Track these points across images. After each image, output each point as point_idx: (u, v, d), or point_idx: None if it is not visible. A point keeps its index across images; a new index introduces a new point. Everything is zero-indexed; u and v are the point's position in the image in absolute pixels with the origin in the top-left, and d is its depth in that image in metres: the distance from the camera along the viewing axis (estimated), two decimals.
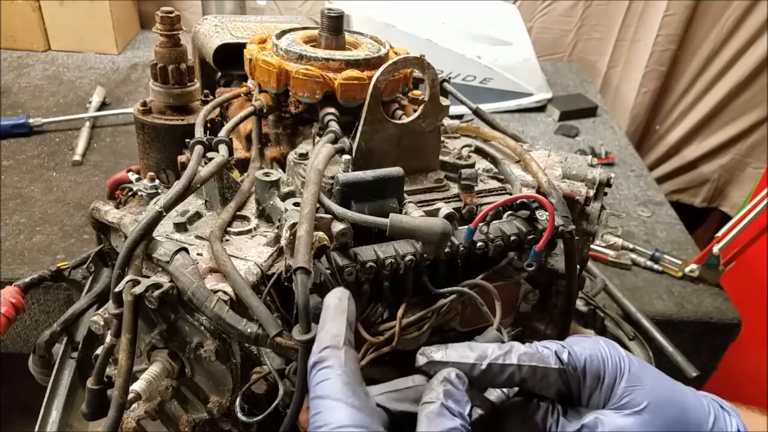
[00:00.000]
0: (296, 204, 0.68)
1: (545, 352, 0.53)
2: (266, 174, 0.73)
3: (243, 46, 0.88)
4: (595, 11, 2.65)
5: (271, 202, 0.73)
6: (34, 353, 0.93)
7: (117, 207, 0.86)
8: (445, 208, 0.71)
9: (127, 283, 0.64)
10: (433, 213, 0.71)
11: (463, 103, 1.06)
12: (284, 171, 0.81)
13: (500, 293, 0.70)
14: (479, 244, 0.70)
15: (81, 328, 0.97)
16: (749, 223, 1.46)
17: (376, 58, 0.83)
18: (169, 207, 0.69)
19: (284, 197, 0.73)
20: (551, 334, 0.86)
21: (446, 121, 0.90)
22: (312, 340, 0.55)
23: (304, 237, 0.60)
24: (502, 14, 2.39)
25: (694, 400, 0.54)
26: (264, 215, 0.77)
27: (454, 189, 0.78)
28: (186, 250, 0.69)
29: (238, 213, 0.78)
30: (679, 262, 1.58)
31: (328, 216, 0.65)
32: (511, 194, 0.81)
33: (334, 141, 0.75)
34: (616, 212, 1.69)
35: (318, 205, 0.67)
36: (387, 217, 0.64)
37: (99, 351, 0.71)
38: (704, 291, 1.54)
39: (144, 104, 0.95)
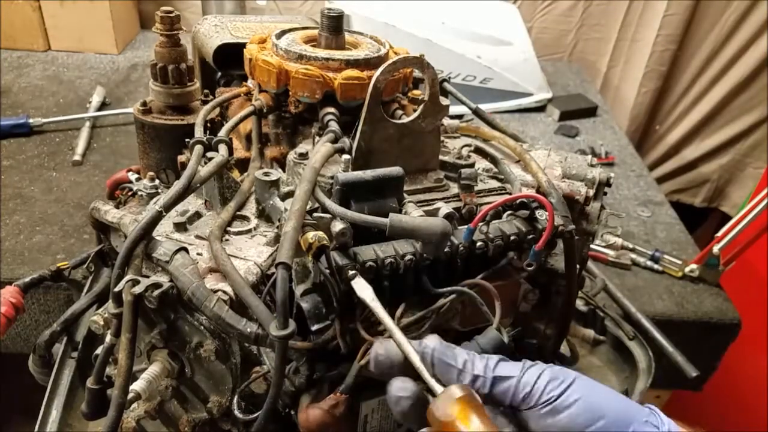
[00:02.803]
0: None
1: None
2: (266, 174, 0.74)
3: (243, 46, 0.88)
4: (595, 11, 2.65)
5: (271, 202, 0.73)
6: (34, 353, 0.93)
7: (117, 207, 0.86)
8: (445, 208, 0.71)
9: (126, 282, 0.64)
10: (433, 213, 0.71)
11: (463, 103, 1.06)
12: (284, 171, 0.81)
13: (500, 293, 0.70)
14: (479, 243, 0.70)
15: (81, 328, 0.97)
16: (749, 223, 1.46)
17: (376, 58, 0.83)
18: (168, 207, 0.69)
19: (284, 197, 0.73)
20: (551, 334, 0.86)
21: (446, 121, 0.90)
22: (289, 336, 0.56)
23: (290, 233, 0.60)
24: (502, 14, 2.39)
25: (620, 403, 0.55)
26: (264, 215, 0.77)
27: (454, 189, 0.78)
28: (186, 249, 0.69)
29: (237, 213, 0.78)
30: (679, 262, 1.58)
31: (328, 216, 0.65)
32: (510, 194, 0.81)
33: (334, 141, 0.76)
34: (616, 212, 1.69)
35: (317, 205, 0.67)
36: (387, 216, 0.64)
37: (99, 351, 0.71)
38: (704, 291, 1.54)
39: (144, 104, 0.95)
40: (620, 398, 0.55)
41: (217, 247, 0.69)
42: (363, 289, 0.60)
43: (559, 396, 0.52)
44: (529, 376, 0.53)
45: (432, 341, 0.57)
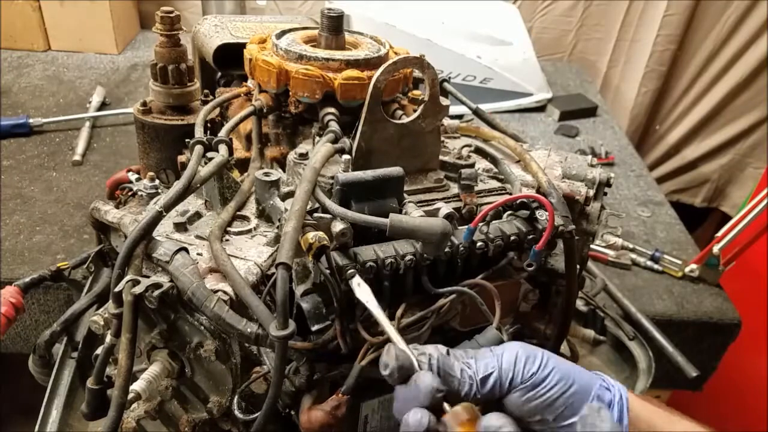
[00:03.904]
0: None
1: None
2: (266, 174, 0.74)
3: (243, 46, 0.88)
4: (595, 11, 2.65)
5: (271, 202, 0.73)
6: (34, 353, 0.94)
7: (117, 207, 0.86)
8: (445, 208, 0.71)
9: (127, 282, 0.64)
10: (433, 213, 0.71)
11: (463, 103, 1.06)
12: (284, 171, 0.81)
13: (500, 293, 0.70)
14: (479, 243, 0.70)
15: (81, 328, 0.97)
16: (749, 223, 1.46)
17: (376, 58, 0.83)
18: (169, 207, 0.69)
19: (284, 197, 0.73)
20: (551, 334, 0.86)
21: (446, 121, 0.90)
22: (289, 336, 0.57)
23: (291, 233, 0.60)
24: (502, 14, 2.39)
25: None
26: (264, 215, 0.77)
27: (454, 189, 0.78)
28: (186, 249, 0.69)
29: (238, 213, 0.78)
30: (679, 262, 1.58)
31: (328, 216, 0.65)
32: (511, 194, 0.81)
33: (334, 141, 0.76)
34: (616, 212, 1.69)
35: (318, 205, 0.67)
36: (387, 217, 0.64)
37: (99, 351, 0.71)
38: (704, 291, 1.54)
39: (144, 104, 0.95)
40: (578, 366, 0.60)
41: (217, 247, 0.69)
42: (362, 292, 0.60)
43: (537, 370, 0.56)
44: (507, 363, 0.57)
45: (431, 349, 0.57)
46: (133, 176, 1.00)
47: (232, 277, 0.65)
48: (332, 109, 0.81)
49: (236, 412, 0.68)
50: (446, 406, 0.53)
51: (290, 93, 0.83)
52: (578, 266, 0.87)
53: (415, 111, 0.77)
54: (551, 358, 0.58)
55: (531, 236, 0.73)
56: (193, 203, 0.81)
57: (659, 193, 1.96)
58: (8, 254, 1.36)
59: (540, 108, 2.34)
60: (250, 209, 0.79)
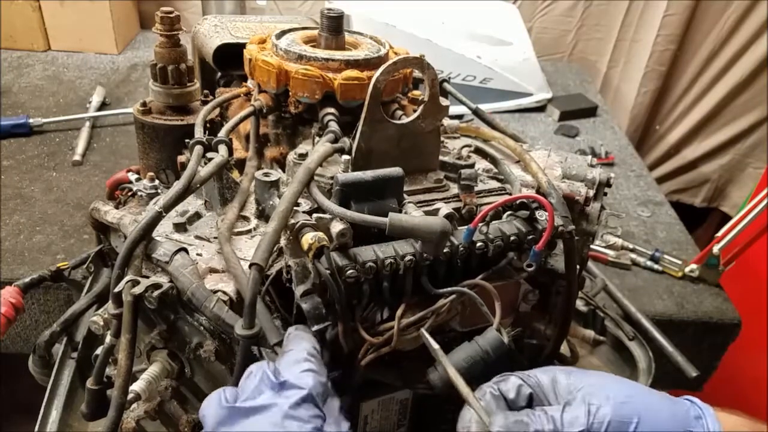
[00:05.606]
0: (296, 204, 0.68)
1: None
2: (266, 174, 0.74)
3: (243, 46, 0.88)
4: (595, 11, 2.65)
5: (271, 203, 0.73)
6: (34, 353, 0.94)
7: (117, 207, 0.86)
8: (445, 208, 0.71)
9: (126, 283, 0.64)
10: (433, 213, 0.71)
11: (463, 103, 1.06)
12: (284, 171, 0.81)
13: (500, 293, 0.70)
14: (479, 244, 0.70)
15: (81, 328, 0.97)
16: (749, 223, 1.46)
17: (375, 58, 0.83)
18: (168, 207, 0.69)
19: None
20: (551, 335, 0.86)
21: (446, 121, 0.90)
22: (254, 336, 0.58)
23: (270, 235, 0.60)
24: (502, 14, 2.39)
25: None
26: (264, 215, 0.77)
27: (454, 189, 0.78)
28: (185, 250, 0.69)
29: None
30: (679, 262, 1.58)
31: (328, 216, 0.65)
32: (510, 194, 0.81)
33: (334, 141, 0.76)
34: (616, 212, 1.69)
35: (316, 205, 0.67)
36: (386, 217, 0.64)
37: (99, 351, 0.71)
38: (704, 291, 1.54)
39: (144, 104, 0.95)
40: (670, 405, 0.57)
41: (228, 250, 0.69)
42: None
43: None
44: (598, 425, 0.55)
45: (498, 420, 0.57)
46: (132, 176, 1.00)
47: (240, 281, 0.65)
48: (332, 110, 0.81)
49: None
50: None
51: (290, 93, 0.83)
52: (578, 266, 0.86)
53: (415, 111, 0.77)
54: (643, 413, 0.55)
55: (531, 236, 0.73)
56: (192, 203, 0.81)
57: (659, 193, 1.96)
58: (8, 254, 1.36)
59: (540, 108, 2.34)
60: (250, 209, 0.79)
